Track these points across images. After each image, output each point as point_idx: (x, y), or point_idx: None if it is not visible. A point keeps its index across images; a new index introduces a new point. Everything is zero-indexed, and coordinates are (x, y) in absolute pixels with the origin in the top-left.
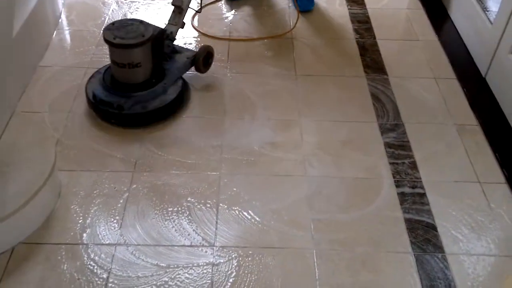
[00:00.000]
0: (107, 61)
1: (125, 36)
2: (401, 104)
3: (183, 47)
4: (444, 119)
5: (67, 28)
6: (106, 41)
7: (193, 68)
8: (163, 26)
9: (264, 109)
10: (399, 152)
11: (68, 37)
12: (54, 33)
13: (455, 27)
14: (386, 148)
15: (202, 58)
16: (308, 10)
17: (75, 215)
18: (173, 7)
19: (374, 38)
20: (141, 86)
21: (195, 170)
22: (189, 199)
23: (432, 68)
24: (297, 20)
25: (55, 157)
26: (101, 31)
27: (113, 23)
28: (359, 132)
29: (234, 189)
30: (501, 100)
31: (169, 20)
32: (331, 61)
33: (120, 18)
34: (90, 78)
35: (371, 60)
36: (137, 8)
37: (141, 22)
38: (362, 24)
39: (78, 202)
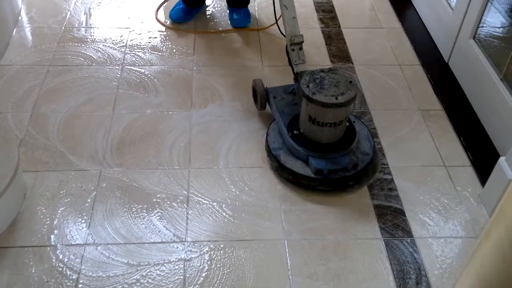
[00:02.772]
0: (70, 57)
1: (342, 91)
2: (367, 91)
3: None
4: (409, 105)
5: (27, 25)
6: (329, 105)
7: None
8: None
9: (232, 100)
10: None
11: (28, 34)
12: (14, 31)
13: (417, 14)
14: None
15: None
16: (243, 27)
17: (42, 216)
18: (291, 46)
19: (339, 27)
20: (346, 136)
21: (163, 166)
22: (158, 195)
23: (396, 55)
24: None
25: (19, 158)
26: (304, 91)
27: (306, 85)
28: None
29: (203, 183)
30: (464, 84)
31: (295, 61)
32: None
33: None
34: (278, 159)
35: (337, 49)
36: (99, 3)
37: (322, 70)
38: (327, 13)
39: (44, 203)
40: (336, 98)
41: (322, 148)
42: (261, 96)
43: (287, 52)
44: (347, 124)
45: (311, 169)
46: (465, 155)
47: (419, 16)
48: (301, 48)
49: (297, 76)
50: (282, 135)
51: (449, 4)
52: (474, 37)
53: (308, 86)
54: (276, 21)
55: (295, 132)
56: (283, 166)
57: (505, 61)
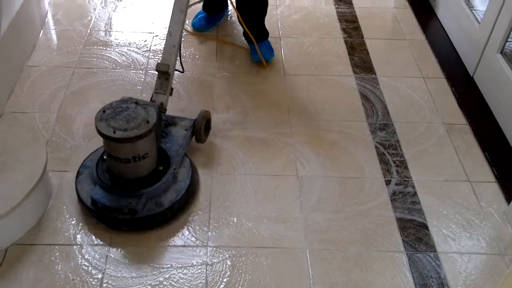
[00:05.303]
0: (95, 61)
1: (127, 127)
2: (390, 103)
3: (175, 117)
4: (433, 118)
5: (53, 27)
6: (104, 135)
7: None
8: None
9: (254, 108)
10: (389, 151)
11: (54, 36)
12: (41, 33)
13: (442, 26)
14: (376, 147)
15: (204, 128)
16: (266, 61)
17: (68, 216)
18: (157, 73)
19: (362, 37)
20: (149, 179)
21: None
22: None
23: (420, 68)
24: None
25: (47, 158)
26: (96, 114)
27: (103, 110)
28: (349, 131)
29: (226, 188)
30: (489, 99)
31: (156, 89)
32: (320, 60)
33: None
34: (78, 176)
35: (360, 60)
36: (123, 7)
37: (136, 102)
38: (350, 23)
39: (70, 203)
40: (114, 132)
41: (115, 181)
42: None
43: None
44: (161, 168)
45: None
46: (490, 171)
47: (444, 29)
48: (167, 79)
49: None
50: None
51: (476, 18)
52: (501, 52)
53: (104, 111)
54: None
55: (104, 157)
56: (76, 186)
57: None
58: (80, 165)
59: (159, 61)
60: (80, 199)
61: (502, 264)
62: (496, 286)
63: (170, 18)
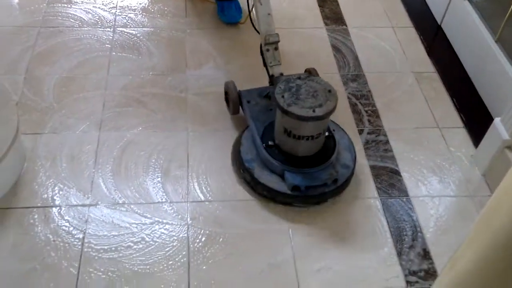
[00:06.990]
0: (60, 19)
1: (320, 102)
2: (361, 54)
3: None
4: (402, 67)
5: None
6: (305, 118)
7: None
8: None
9: (227, 64)
10: (361, 101)
11: None
12: None
13: None
14: (348, 98)
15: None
16: (235, 22)
17: (44, 178)
18: (265, 46)
19: None
20: (325, 147)
21: (162, 127)
22: (160, 155)
23: (389, 17)
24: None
25: (18, 120)
26: (278, 102)
27: (281, 95)
28: None
29: (203, 145)
30: (457, 47)
31: (270, 63)
32: (291, 13)
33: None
34: (252, 174)
35: (330, 11)
36: None
37: (299, 77)
38: None
39: (46, 165)
40: (314, 111)
41: (299, 162)
42: (234, 102)
43: (261, 52)
44: (327, 133)
45: (287, 185)
46: (458, 117)
47: None
48: (276, 48)
49: (272, 79)
50: (256, 145)
51: None
52: None
53: (283, 96)
54: (250, 13)
55: (269, 143)
56: (257, 181)
57: (500, 23)
58: (243, 163)
59: (268, 34)
60: (273, 191)
61: (471, 205)
62: (466, 225)
63: None
